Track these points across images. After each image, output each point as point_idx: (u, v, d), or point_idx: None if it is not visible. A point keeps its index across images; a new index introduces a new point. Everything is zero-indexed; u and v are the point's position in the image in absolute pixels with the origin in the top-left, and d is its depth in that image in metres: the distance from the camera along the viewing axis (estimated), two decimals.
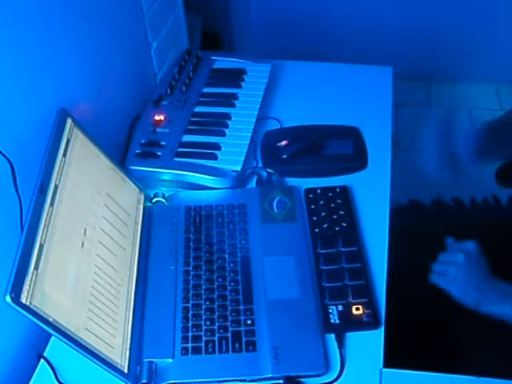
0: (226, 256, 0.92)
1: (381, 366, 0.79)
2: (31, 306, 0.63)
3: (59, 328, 0.66)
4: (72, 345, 0.68)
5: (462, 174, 0.95)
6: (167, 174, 1.02)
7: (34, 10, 0.79)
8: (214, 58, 1.30)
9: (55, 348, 0.83)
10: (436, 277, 0.90)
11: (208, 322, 0.83)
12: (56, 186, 0.75)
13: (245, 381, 0.78)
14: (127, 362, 0.78)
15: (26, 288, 0.63)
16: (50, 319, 0.65)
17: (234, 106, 1.17)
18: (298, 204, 0.99)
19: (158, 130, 1.10)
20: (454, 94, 2.43)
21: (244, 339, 0.81)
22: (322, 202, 0.99)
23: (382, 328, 0.83)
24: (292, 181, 1.06)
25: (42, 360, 0.82)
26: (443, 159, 0.95)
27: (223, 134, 1.10)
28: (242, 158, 1.04)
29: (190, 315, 0.84)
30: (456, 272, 0.87)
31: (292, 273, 0.89)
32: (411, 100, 2.36)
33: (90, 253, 0.79)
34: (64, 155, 0.78)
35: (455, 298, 0.85)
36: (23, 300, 0.62)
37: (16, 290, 0.62)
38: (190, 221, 0.98)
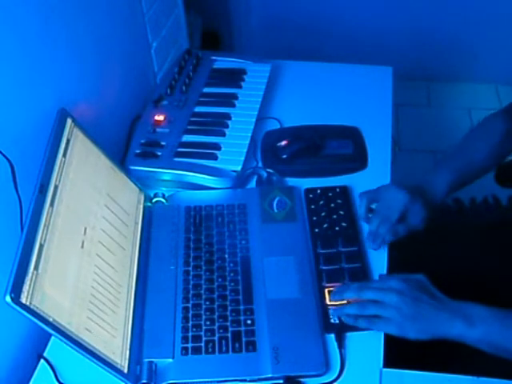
0: (226, 256, 0.92)
1: (381, 366, 0.79)
2: (31, 306, 0.63)
3: (59, 328, 0.66)
4: (72, 345, 0.68)
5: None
6: (167, 173, 1.02)
7: (33, 10, 0.79)
8: (213, 58, 1.30)
9: (55, 348, 0.83)
10: (368, 322, 0.81)
11: (208, 322, 0.83)
12: (56, 186, 0.75)
13: (245, 381, 0.78)
14: (127, 362, 0.78)
15: (25, 288, 0.63)
16: (50, 319, 0.65)
17: (234, 105, 1.17)
18: (298, 204, 0.99)
19: (158, 130, 1.10)
20: (454, 94, 2.43)
21: (244, 339, 0.81)
22: (321, 202, 0.99)
23: None
24: (292, 181, 1.06)
25: (42, 360, 0.82)
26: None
27: (223, 134, 1.10)
28: (242, 158, 1.04)
29: (190, 315, 0.84)
30: (396, 313, 0.78)
31: (292, 273, 0.89)
32: (411, 100, 2.36)
33: (90, 253, 0.79)
34: (64, 155, 0.78)
35: (409, 338, 0.78)
36: (23, 300, 0.62)
37: (16, 290, 0.62)
38: (190, 221, 0.98)
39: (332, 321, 0.83)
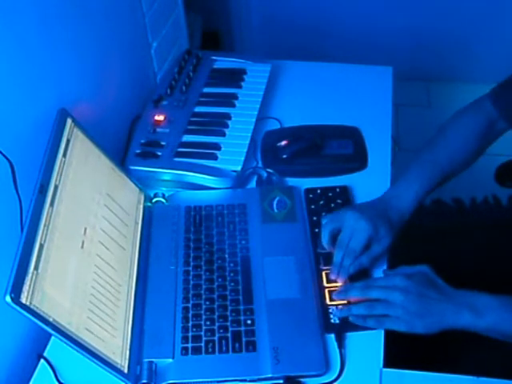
0: (226, 256, 0.92)
1: (381, 366, 0.79)
2: (31, 306, 0.63)
3: (59, 328, 0.67)
4: (72, 345, 0.68)
5: None
6: (167, 173, 1.02)
7: (33, 10, 0.79)
8: (214, 58, 1.30)
9: (55, 348, 0.83)
10: (377, 322, 0.81)
11: (208, 322, 0.83)
12: (56, 186, 0.75)
13: (245, 381, 0.78)
14: (127, 361, 0.78)
15: (25, 288, 0.63)
16: (50, 319, 0.65)
17: (234, 105, 1.17)
18: (298, 204, 0.99)
19: (158, 130, 1.10)
20: (454, 94, 2.43)
21: (244, 339, 0.81)
22: (322, 202, 0.99)
23: None
24: (292, 181, 1.06)
25: (42, 360, 0.82)
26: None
27: (223, 134, 1.10)
28: (242, 158, 1.04)
29: (190, 315, 0.84)
30: (403, 311, 0.78)
31: (292, 273, 0.89)
32: (411, 100, 2.36)
33: (90, 253, 0.79)
34: (64, 155, 0.78)
35: (419, 333, 0.78)
36: (23, 300, 0.62)
37: (16, 290, 0.62)
38: (190, 221, 0.98)
39: (332, 321, 0.83)
